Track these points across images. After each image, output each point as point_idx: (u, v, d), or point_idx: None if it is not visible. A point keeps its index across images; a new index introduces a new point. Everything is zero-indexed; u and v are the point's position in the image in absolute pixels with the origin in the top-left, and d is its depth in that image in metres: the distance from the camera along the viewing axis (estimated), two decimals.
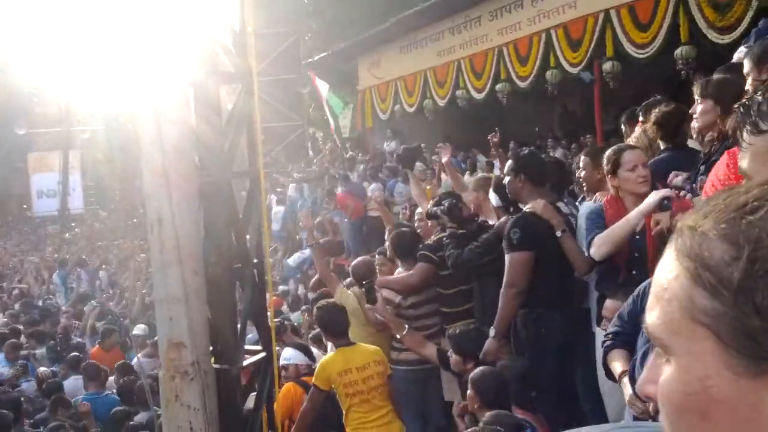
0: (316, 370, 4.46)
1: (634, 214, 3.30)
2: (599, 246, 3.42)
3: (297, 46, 17.74)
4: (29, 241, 20.74)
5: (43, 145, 29.61)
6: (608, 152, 3.61)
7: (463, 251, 4.40)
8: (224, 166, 3.39)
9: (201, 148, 3.18)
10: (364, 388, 4.28)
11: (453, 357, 4.21)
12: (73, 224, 24.46)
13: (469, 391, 3.60)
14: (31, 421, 5.99)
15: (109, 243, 18.66)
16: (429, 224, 5.30)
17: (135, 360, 7.06)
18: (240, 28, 3.34)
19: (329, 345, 4.90)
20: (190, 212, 2.91)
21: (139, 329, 8.41)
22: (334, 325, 4.50)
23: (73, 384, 7.00)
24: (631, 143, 4.20)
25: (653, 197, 3.24)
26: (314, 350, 5.55)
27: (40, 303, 11.59)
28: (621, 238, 3.35)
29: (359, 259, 5.72)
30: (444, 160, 6.39)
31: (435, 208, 4.74)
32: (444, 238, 4.66)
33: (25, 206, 30.17)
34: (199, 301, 2.87)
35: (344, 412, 4.34)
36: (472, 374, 3.68)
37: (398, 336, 4.75)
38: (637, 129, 4.56)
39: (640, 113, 4.73)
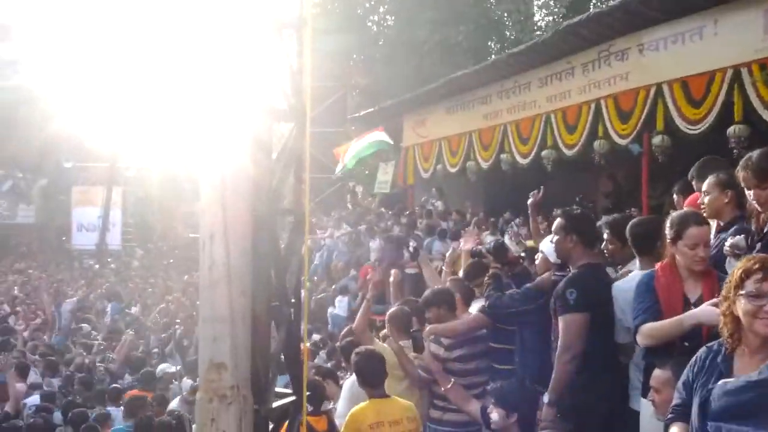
0: (346, 420, 4.34)
1: (688, 319, 3.15)
2: (646, 336, 3.33)
3: (344, 100, 18.11)
4: (64, 273, 21.10)
5: (87, 180, 30.44)
6: (674, 217, 3.52)
7: (503, 295, 4.35)
8: (271, 202, 3.41)
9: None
10: None
11: (495, 412, 4.08)
12: (109, 260, 24.84)
13: None
14: None
15: (144, 282, 18.88)
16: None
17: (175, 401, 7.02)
18: (297, 67, 3.40)
19: (346, 387, 4.82)
20: (243, 232, 2.92)
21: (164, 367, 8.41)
22: (372, 374, 4.39)
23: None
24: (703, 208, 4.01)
25: (711, 313, 2.92)
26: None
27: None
28: (670, 336, 3.25)
29: (396, 308, 5.64)
30: (530, 201, 6.31)
31: (480, 247, 4.72)
32: (486, 278, 4.61)
33: (64, 238, 30.83)
34: (244, 324, 2.84)
35: None
36: None
37: (443, 389, 4.65)
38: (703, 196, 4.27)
39: (693, 176, 4.61)
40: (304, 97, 3.54)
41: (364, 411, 4.27)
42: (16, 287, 16.29)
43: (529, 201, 6.29)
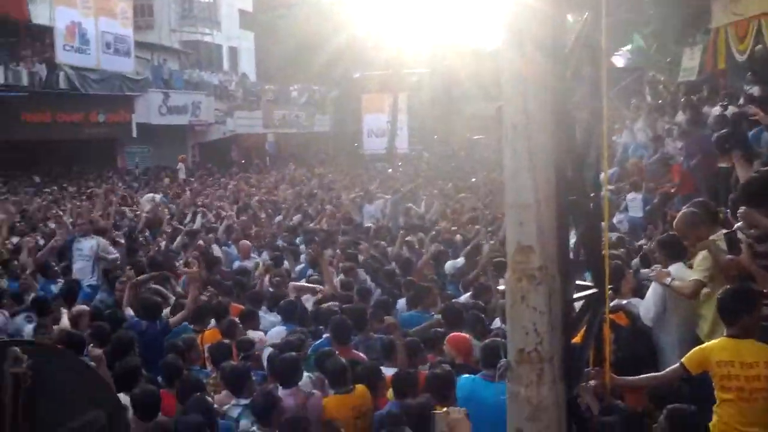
0: (695, 349, 4.24)
1: None
2: None
3: None
4: (356, 177, 23.30)
5: (374, 87, 32.71)
6: None
7: None
8: (565, 95, 3.49)
9: None
10: (745, 386, 3.96)
11: None
12: (399, 163, 26.75)
13: None
14: None
15: (430, 183, 20.13)
16: None
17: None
18: None
19: None
20: (544, 119, 3.09)
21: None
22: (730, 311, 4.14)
23: None
24: None
25: None
26: None
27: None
28: None
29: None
30: None
31: None
32: None
33: (356, 144, 33.89)
34: (549, 208, 3.06)
35: (717, 402, 4.07)
36: None
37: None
38: None
39: None
40: None
41: (717, 346, 4.10)
42: (315, 189, 18.51)
43: None
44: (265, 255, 10.39)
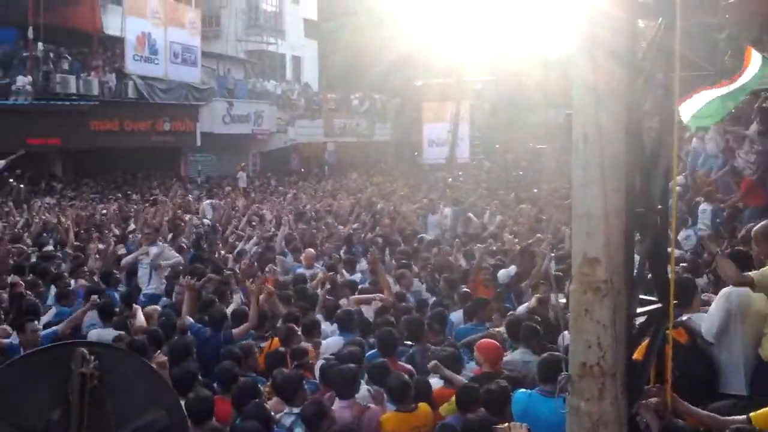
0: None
1: None
2: None
3: None
4: (414, 186, 23.33)
5: (436, 96, 32.70)
6: None
7: None
8: (636, 103, 3.44)
9: None
10: None
11: None
12: (459, 173, 26.68)
13: None
14: None
15: (491, 193, 19.99)
16: None
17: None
18: None
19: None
20: (617, 130, 3.05)
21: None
22: None
23: None
24: None
25: None
26: None
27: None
28: None
29: None
30: None
31: None
32: None
33: (416, 153, 33.95)
34: (618, 219, 3.03)
35: None
36: None
37: None
38: None
39: None
40: None
41: None
42: (374, 197, 18.64)
43: None
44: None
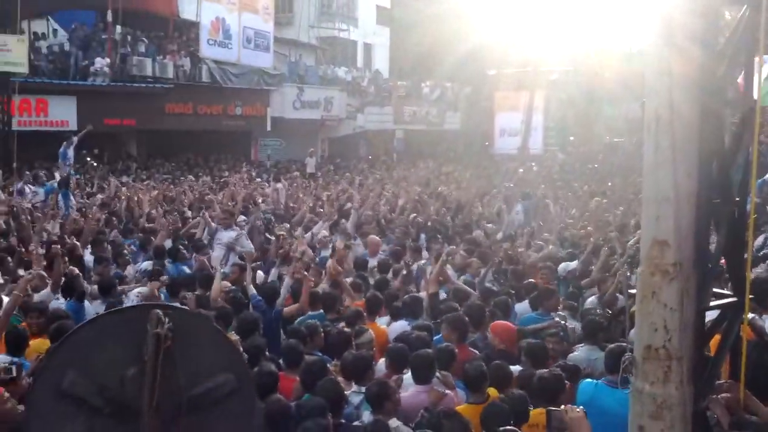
0: None
1: None
2: None
3: None
4: (486, 177, 23.13)
5: (509, 85, 32.32)
6: None
7: None
8: (714, 92, 3.39)
9: None
10: None
11: None
12: (532, 164, 26.35)
13: None
14: None
15: (565, 185, 19.72)
16: None
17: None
18: None
19: None
20: (689, 118, 3.04)
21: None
22: None
23: None
24: None
25: None
26: None
27: None
28: None
29: None
30: None
31: None
32: None
33: (486, 143, 33.68)
34: (689, 204, 3.01)
35: None
36: None
37: None
38: None
39: None
40: None
41: None
42: (441, 186, 18.72)
43: None
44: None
